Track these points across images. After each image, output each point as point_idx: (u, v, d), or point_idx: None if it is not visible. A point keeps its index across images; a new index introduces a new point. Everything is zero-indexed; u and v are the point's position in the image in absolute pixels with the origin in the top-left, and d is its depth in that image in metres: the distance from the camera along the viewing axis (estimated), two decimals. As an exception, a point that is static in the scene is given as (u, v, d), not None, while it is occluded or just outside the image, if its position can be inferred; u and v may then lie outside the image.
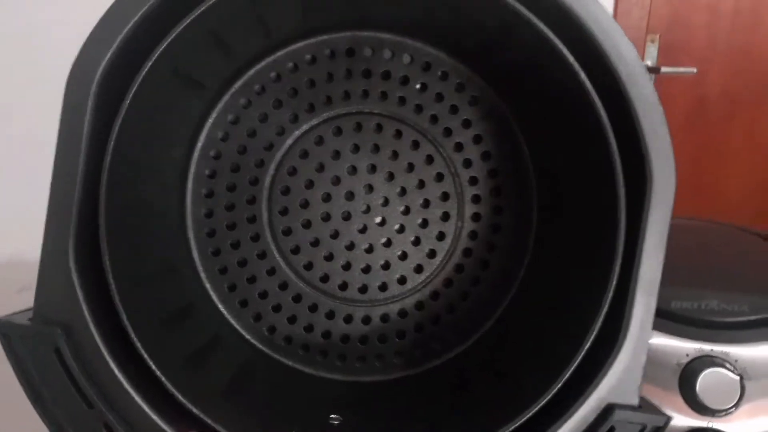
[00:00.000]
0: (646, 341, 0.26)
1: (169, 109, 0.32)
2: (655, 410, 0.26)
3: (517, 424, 0.27)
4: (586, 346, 0.27)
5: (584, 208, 0.32)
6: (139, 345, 0.27)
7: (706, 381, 0.37)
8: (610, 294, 0.27)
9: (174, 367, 0.29)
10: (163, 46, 0.27)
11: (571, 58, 0.28)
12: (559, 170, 0.36)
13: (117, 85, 0.27)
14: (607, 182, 0.28)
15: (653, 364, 0.37)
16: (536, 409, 0.27)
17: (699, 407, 0.38)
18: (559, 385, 0.27)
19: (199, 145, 0.37)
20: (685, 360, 0.39)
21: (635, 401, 0.26)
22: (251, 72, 0.37)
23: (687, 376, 0.38)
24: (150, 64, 0.27)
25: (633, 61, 0.26)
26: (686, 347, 0.39)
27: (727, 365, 0.38)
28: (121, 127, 0.27)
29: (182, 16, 0.27)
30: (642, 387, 0.26)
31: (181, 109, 0.34)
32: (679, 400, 0.39)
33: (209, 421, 0.28)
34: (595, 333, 0.27)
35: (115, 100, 0.27)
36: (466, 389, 0.35)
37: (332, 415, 0.32)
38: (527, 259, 0.38)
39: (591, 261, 0.30)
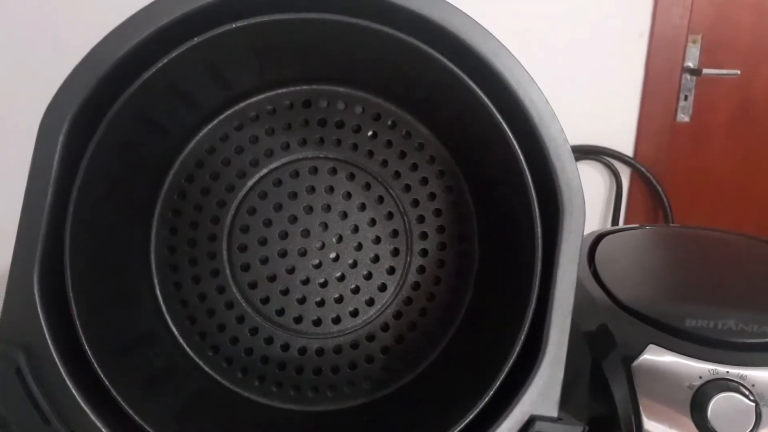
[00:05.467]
0: (562, 358, 0.29)
1: (135, 149, 0.35)
2: (573, 422, 0.29)
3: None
4: (509, 364, 0.29)
5: (512, 240, 0.35)
6: (97, 368, 0.29)
7: (719, 406, 0.34)
8: (530, 315, 0.30)
9: (131, 389, 0.30)
10: (127, 94, 0.30)
11: (493, 109, 0.32)
12: (493, 208, 0.39)
13: (86, 128, 0.30)
14: (528, 215, 0.31)
15: (663, 385, 0.35)
16: (466, 422, 0.29)
17: (710, 434, 0.35)
18: (486, 399, 0.29)
19: (165, 186, 0.39)
20: (697, 382, 0.35)
21: (554, 413, 0.29)
22: (215, 121, 0.40)
23: (699, 399, 0.35)
24: (116, 109, 0.30)
25: (542, 105, 0.30)
26: (700, 368, 0.36)
27: (743, 390, 0.35)
28: (88, 165, 0.30)
29: (144, 69, 0.30)
30: (559, 401, 0.29)
31: (148, 151, 0.37)
32: (690, 425, 0.36)
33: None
34: (516, 352, 0.29)
35: (85, 141, 0.30)
36: (415, 414, 0.37)
37: None
38: (469, 294, 0.41)
39: (518, 288, 0.32)
